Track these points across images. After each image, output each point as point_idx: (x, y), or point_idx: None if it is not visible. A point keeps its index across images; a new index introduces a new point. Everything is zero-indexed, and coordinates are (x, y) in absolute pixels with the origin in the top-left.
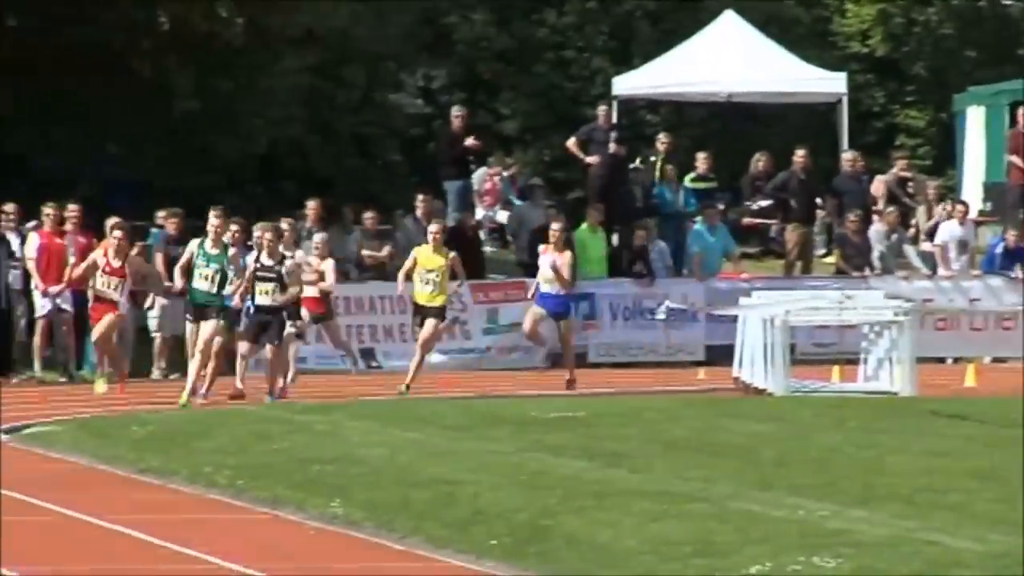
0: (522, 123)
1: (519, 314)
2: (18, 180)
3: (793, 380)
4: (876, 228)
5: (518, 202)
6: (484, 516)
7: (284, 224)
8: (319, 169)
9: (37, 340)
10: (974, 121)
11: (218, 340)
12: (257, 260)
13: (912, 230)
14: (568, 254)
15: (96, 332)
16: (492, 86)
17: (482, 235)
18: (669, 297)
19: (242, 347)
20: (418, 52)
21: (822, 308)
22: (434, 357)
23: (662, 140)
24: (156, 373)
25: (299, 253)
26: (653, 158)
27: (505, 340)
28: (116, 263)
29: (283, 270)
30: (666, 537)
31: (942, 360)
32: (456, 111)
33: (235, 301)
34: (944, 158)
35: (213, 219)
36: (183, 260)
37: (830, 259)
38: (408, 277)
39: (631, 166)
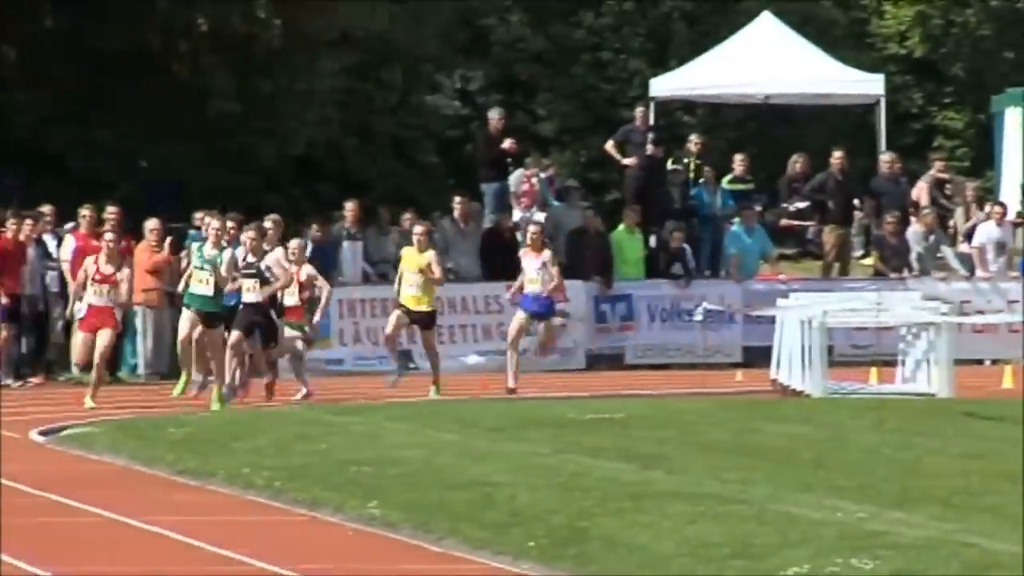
0: (559, 125)
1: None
2: (56, 182)
3: (831, 382)
4: (914, 229)
5: (555, 204)
6: (521, 518)
7: (268, 222)
8: (356, 171)
9: (75, 343)
10: (1012, 122)
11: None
12: (244, 258)
13: (950, 232)
14: (548, 253)
15: (97, 351)
16: (529, 87)
17: (519, 237)
18: (706, 298)
19: (233, 336)
20: (455, 54)
21: (860, 310)
22: (471, 359)
23: (694, 141)
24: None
25: (278, 251)
26: (686, 159)
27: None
28: (107, 270)
29: (262, 266)
30: (704, 539)
31: (980, 362)
32: (494, 113)
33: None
34: (982, 159)
35: (214, 222)
36: (185, 264)
37: (868, 261)
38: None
39: (669, 167)
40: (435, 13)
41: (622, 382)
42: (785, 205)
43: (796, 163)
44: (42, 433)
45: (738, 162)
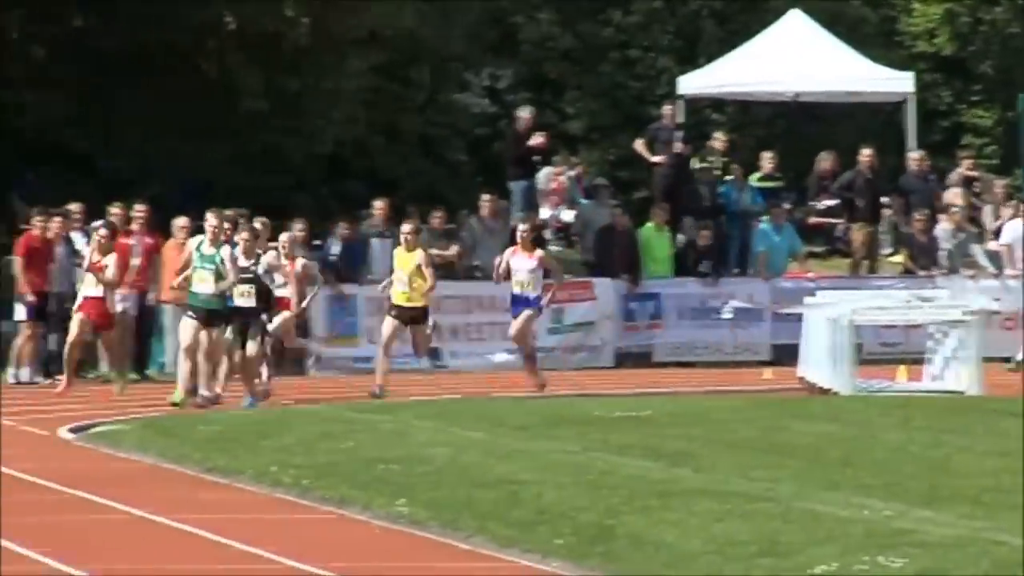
0: (587, 123)
1: (584, 314)
2: (84, 180)
3: (859, 380)
4: (943, 227)
5: (584, 202)
6: (549, 516)
7: (258, 223)
8: (385, 169)
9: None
10: None
11: (252, 346)
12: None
13: (979, 229)
14: (540, 252)
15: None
16: (557, 86)
17: (547, 235)
18: (735, 296)
19: (251, 348)
20: (484, 52)
21: (888, 308)
22: (499, 356)
23: (719, 139)
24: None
25: (271, 253)
26: (711, 158)
27: (570, 340)
28: (96, 259)
29: (259, 270)
30: (731, 537)
31: (1008, 359)
32: (523, 111)
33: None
34: (1011, 157)
35: (211, 220)
36: (183, 262)
37: (896, 258)
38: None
39: (699, 166)
40: (464, 11)
41: (650, 380)
42: (814, 203)
43: (824, 161)
44: (71, 431)
45: (767, 160)
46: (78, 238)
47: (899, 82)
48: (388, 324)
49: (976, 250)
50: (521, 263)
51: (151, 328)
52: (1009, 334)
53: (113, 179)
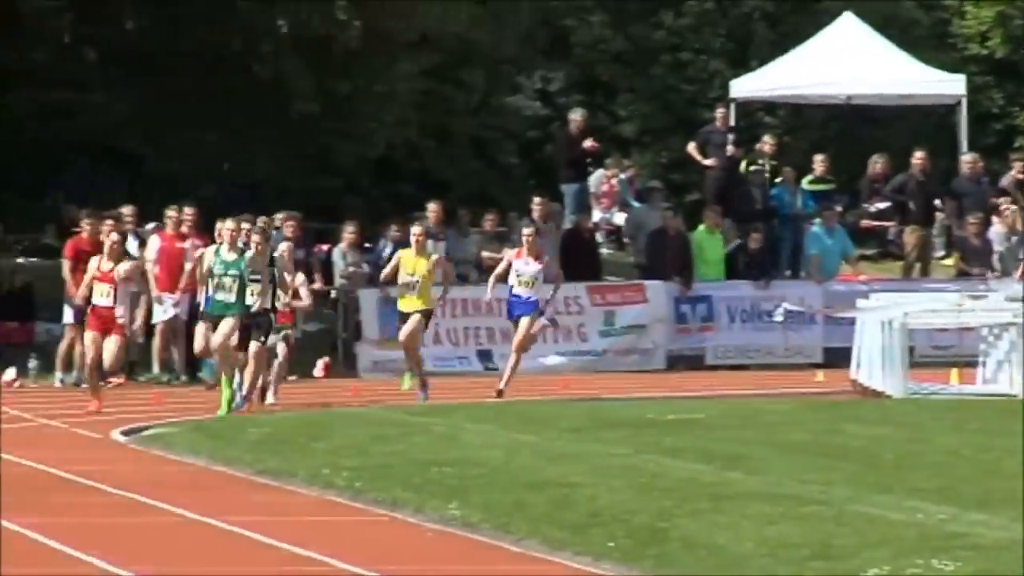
0: (639, 125)
1: (636, 316)
2: (135, 182)
3: (911, 383)
4: (996, 230)
5: (635, 204)
6: (601, 518)
7: (261, 222)
8: (436, 172)
9: (156, 343)
10: None
11: (255, 344)
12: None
13: None
14: (547, 258)
15: (106, 362)
16: (609, 88)
17: (599, 237)
18: (787, 299)
19: (254, 347)
20: (535, 55)
21: (941, 310)
22: (551, 359)
23: (768, 142)
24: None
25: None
26: (760, 160)
27: (622, 342)
28: (107, 267)
29: (274, 271)
30: (784, 540)
31: None
32: (575, 113)
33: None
34: None
35: (228, 224)
36: (204, 268)
37: (949, 261)
38: (393, 280)
39: (751, 169)
40: (515, 14)
41: (702, 383)
42: (866, 206)
43: (877, 163)
44: (124, 433)
45: (818, 162)
46: (130, 240)
47: (951, 84)
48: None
49: None
50: (525, 267)
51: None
52: None
53: (165, 181)
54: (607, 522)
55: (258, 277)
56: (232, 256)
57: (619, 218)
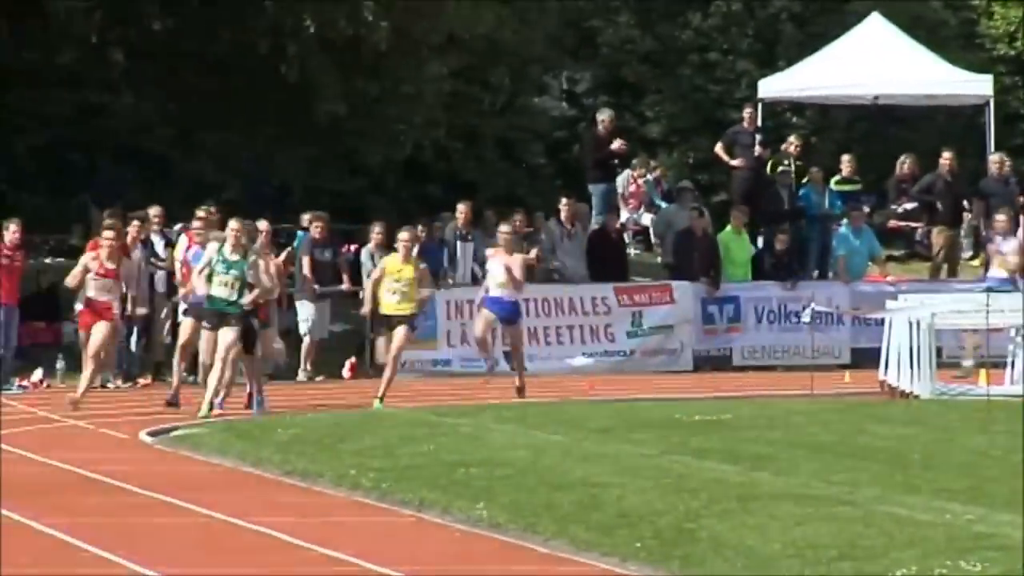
0: (667, 126)
1: (663, 317)
2: (162, 183)
3: (939, 383)
4: None
5: (664, 205)
6: (629, 519)
7: (262, 224)
8: (463, 172)
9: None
10: None
11: (235, 349)
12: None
13: None
14: (519, 256)
15: (92, 346)
16: (636, 89)
17: (626, 238)
18: (814, 300)
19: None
20: (562, 55)
21: (968, 311)
22: (578, 360)
23: (793, 143)
24: (302, 375)
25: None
26: (786, 161)
27: (649, 343)
28: (110, 265)
29: (246, 268)
30: (811, 540)
31: None
32: (603, 114)
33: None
34: None
35: (233, 223)
36: (202, 265)
37: (976, 262)
38: (376, 287)
39: (779, 170)
40: (542, 14)
41: (729, 383)
42: (893, 206)
43: (904, 164)
44: (151, 434)
45: (845, 163)
46: (157, 241)
47: (979, 85)
48: (383, 337)
49: None
50: (499, 265)
51: None
52: None
53: (192, 182)
54: (634, 523)
55: (237, 274)
56: (235, 256)
57: (646, 219)
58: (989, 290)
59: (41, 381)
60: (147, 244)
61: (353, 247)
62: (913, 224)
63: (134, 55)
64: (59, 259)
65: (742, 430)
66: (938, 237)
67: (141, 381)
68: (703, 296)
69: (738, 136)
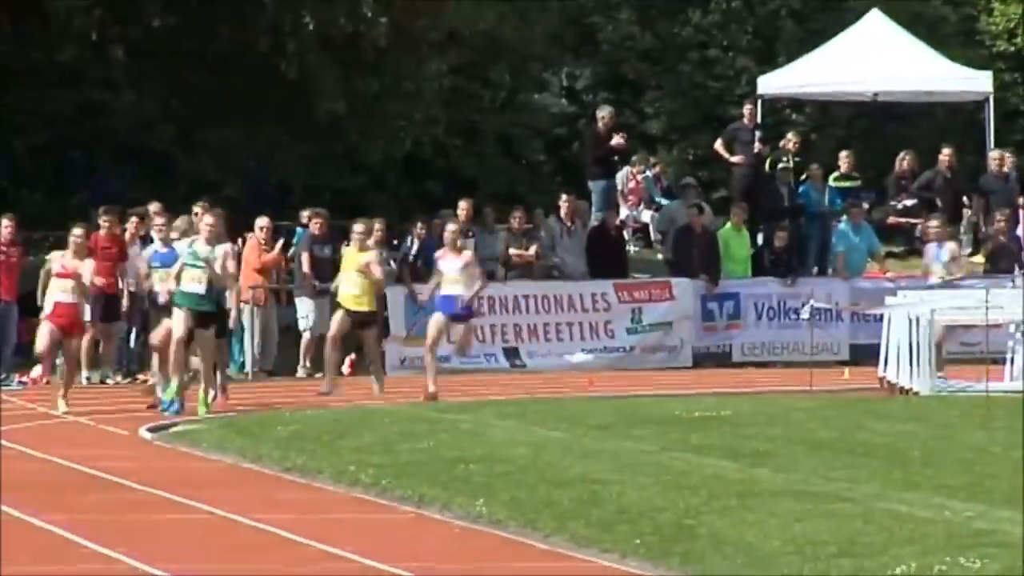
0: (666, 122)
1: (663, 314)
2: (162, 181)
3: (939, 380)
4: None
5: (665, 201)
6: (628, 515)
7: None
8: (463, 169)
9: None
10: None
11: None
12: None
13: None
14: (468, 254)
15: (81, 360)
16: (636, 85)
17: (626, 235)
18: (814, 296)
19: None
20: (563, 52)
21: (968, 307)
22: (577, 356)
23: (791, 139)
24: (301, 372)
25: (228, 245)
26: (785, 158)
27: (649, 339)
28: (71, 264)
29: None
30: (811, 537)
31: None
32: (603, 110)
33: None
34: None
35: (207, 217)
36: (179, 264)
37: (976, 258)
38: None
39: (780, 167)
40: (542, 11)
41: (729, 380)
42: (893, 203)
43: (904, 160)
44: (151, 430)
45: (843, 159)
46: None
47: (978, 81)
48: (336, 320)
49: None
50: (450, 264)
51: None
52: None
53: (192, 180)
54: (634, 519)
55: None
56: (206, 249)
57: (646, 215)
58: None
59: (41, 377)
60: (147, 241)
61: None
62: (913, 220)
63: (134, 53)
64: None
65: (741, 426)
66: None
67: (140, 377)
68: (703, 293)
69: (738, 133)
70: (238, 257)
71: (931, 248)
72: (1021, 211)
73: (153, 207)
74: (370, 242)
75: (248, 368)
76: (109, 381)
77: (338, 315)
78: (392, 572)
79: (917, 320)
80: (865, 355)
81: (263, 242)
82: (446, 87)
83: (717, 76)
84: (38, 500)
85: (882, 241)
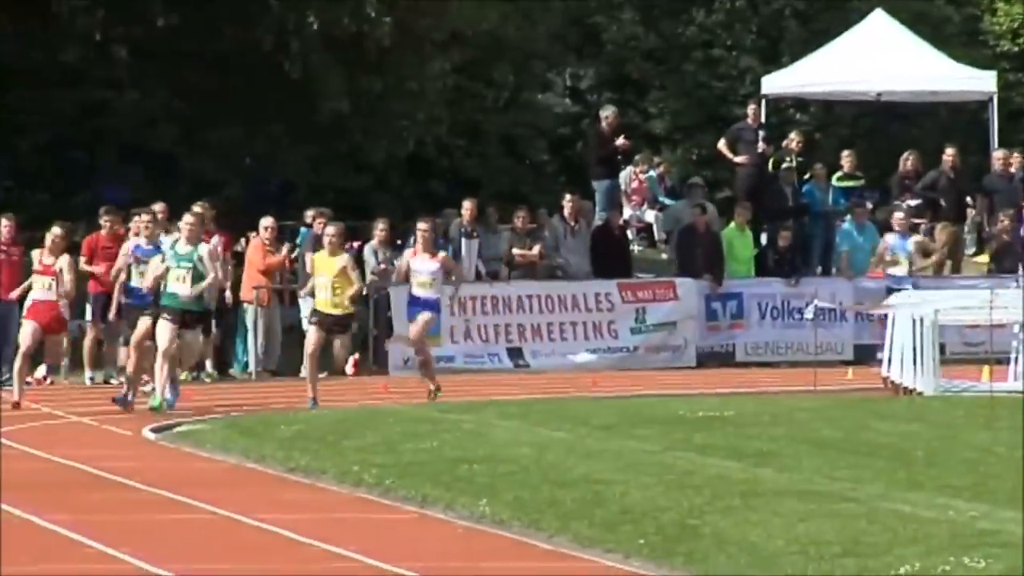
0: (670, 122)
1: (667, 313)
2: (165, 180)
3: (942, 379)
4: None
5: (669, 202)
6: (632, 515)
7: (198, 209)
8: (466, 169)
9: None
10: None
11: (176, 345)
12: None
13: None
14: (443, 255)
15: (56, 357)
16: (640, 85)
17: (629, 234)
18: (817, 296)
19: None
20: (566, 52)
21: (972, 307)
22: (581, 356)
23: (794, 139)
24: (304, 372)
25: (210, 245)
26: (788, 158)
27: (653, 339)
28: (48, 261)
29: (195, 257)
30: (815, 537)
31: None
32: (607, 110)
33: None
34: None
35: (188, 217)
36: (163, 265)
37: (980, 258)
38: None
39: (783, 166)
40: (546, 11)
41: (732, 380)
42: (897, 202)
43: (908, 160)
44: (154, 430)
45: (845, 158)
46: (163, 238)
47: (982, 81)
48: (312, 333)
49: None
50: (422, 265)
51: (234, 327)
52: None
53: (196, 180)
54: (637, 519)
55: (189, 266)
56: (187, 249)
57: (649, 215)
58: (889, 290)
59: (45, 378)
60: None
61: (356, 244)
62: (917, 220)
63: (137, 53)
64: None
65: (745, 426)
66: (941, 233)
67: (144, 378)
68: (706, 292)
69: (742, 132)
70: (238, 255)
71: (890, 238)
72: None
73: (157, 207)
74: (345, 245)
75: (252, 368)
76: (113, 381)
77: (311, 331)
78: (395, 572)
79: (921, 320)
80: (869, 355)
81: (267, 242)
82: (450, 87)
83: (721, 76)
84: (42, 500)
85: None
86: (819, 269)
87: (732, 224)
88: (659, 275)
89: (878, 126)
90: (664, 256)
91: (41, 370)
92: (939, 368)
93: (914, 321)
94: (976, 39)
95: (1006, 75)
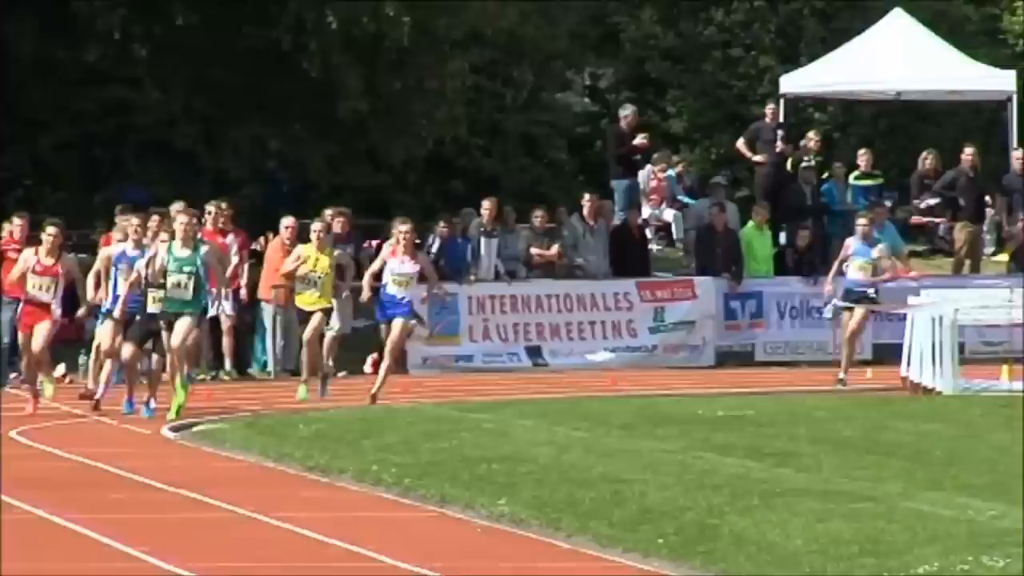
0: (689, 122)
1: (686, 312)
2: (186, 179)
3: (962, 379)
4: None
5: (687, 200)
6: (651, 515)
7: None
8: (486, 168)
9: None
10: None
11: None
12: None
13: None
14: (423, 258)
15: (35, 345)
16: (659, 84)
17: (648, 234)
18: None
19: (125, 351)
20: (585, 51)
21: (991, 307)
22: (600, 355)
23: (812, 138)
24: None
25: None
26: (806, 157)
27: (671, 338)
28: (48, 262)
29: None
30: (834, 537)
31: None
32: (626, 110)
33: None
34: None
35: (182, 218)
36: (157, 265)
37: (999, 257)
38: (291, 277)
39: (802, 166)
40: (566, 10)
41: (752, 379)
42: (916, 202)
43: (926, 160)
44: (173, 429)
45: (861, 156)
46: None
47: (1001, 80)
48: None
49: None
50: (401, 266)
51: (253, 327)
52: None
53: (216, 179)
54: (657, 519)
55: (191, 270)
56: (185, 252)
57: (668, 214)
58: (848, 292)
59: (64, 376)
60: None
61: (375, 242)
62: (936, 220)
63: (158, 51)
64: (82, 255)
65: (764, 426)
66: (960, 233)
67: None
68: (725, 292)
69: (760, 132)
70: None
71: (851, 242)
72: None
73: (176, 206)
74: (331, 240)
75: (271, 368)
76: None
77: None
78: (414, 571)
79: (940, 320)
80: (888, 354)
81: (288, 242)
82: (469, 86)
83: (740, 75)
84: (61, 499)
85: (905, 240)
86: None
87: (751, 223)
88: (678, 274)
89: (897, 125)
90: (682, 255)
91: (60, 368)
92: (958, 368)
93: (933, 320)
94: (995, 38)
95: None
